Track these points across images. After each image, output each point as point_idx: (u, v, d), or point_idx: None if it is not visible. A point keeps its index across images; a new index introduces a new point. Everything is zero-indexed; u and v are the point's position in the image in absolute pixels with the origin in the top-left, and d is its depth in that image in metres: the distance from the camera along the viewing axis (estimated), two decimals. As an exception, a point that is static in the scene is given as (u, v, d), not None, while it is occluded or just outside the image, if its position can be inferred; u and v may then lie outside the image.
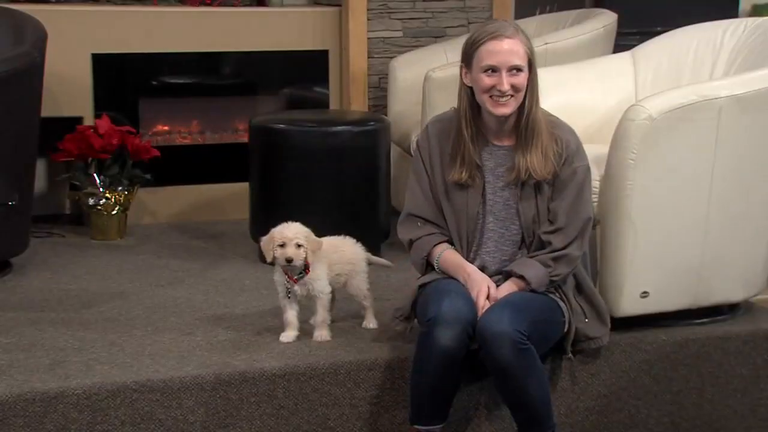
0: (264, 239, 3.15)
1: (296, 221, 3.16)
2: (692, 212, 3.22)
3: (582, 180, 2.96)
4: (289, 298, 3.15)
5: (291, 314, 3.17)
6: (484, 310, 2.86)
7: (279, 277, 3.16)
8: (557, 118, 3.03)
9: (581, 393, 3.21)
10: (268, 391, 2.96)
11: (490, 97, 2.89)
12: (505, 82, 2.87)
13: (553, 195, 2.96)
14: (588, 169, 2.99)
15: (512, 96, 2.88)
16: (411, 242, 3.06)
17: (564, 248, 2.93)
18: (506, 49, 2.86)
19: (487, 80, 2.88)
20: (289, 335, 3.17)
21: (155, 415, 2.88)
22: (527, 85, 2.90)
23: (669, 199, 3.17)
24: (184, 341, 3.17)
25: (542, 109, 2.98)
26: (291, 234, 3.10)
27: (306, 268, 3.12)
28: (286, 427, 3.00)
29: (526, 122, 2.92)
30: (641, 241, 3.17)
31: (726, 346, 3.35)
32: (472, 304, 2.87)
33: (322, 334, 3.17)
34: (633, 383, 3.27)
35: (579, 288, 3.08)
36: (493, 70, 2.87)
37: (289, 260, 3.08)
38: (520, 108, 2.91)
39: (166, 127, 4.91)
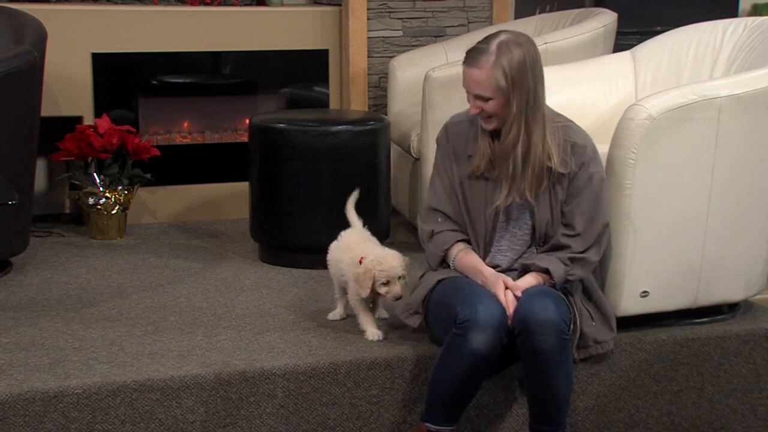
0: (359, 273, 3.10)
1: (393, 249, 3.18)
2: (692, 212, 3.22)
3: (598, 186, 2.99)
4: (371, 306, 3.21)
5: (367, 312, 3.19)
6: (509, 304, 2.87)
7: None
8: (574, 123, 3.04)
9: (581, 392, 3.21)
10: (268, 391, 2.97)
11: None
12: (473, 107, 2.93)
13: (567, 199, 2.98)
14: (603, 177, 3.01)
15: (489, 117, 2.92)
16: (432, 234, 3.09)
17: (583, 252, 2.96)
18: (471, 79, 2.91)
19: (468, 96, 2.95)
20: (377, 332, 3.17)
21: (155, 414, 2.88)
22: (514, 111, 2.89)
23: (669, 198, 3.17)
24: (184, 341, 3.17)
25: (559, 115, 3.02)
26: (394, 271, 3.06)
27: None
28: (286, 427, 3.00)
29: (510, 151, 2.93)
30: (641, 241, 3.17)
31: (726, 346, 3.35)
32: (503, 307, 2.88)
33: (375, 332, 3.19)
34: (633, 383, 3.27)
35: (587, 292, 3.09)
36: (467, 90, 2.94)
37: (399, 298, 3.09)
38: (512, 137, 2.92)
39: (165, 127, 4.91)
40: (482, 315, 2.81)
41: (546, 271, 2.95)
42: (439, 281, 3.04)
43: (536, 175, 2.94)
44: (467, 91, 2.94)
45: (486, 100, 2.90)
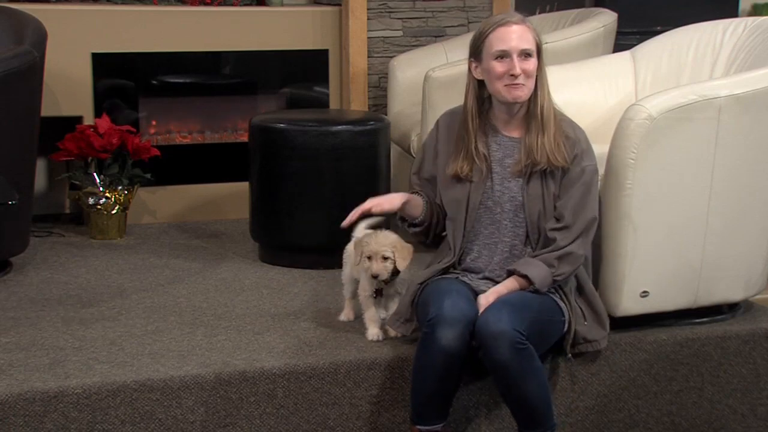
0: (352, 246, 3.11)
1: (388, 230, 3.14)
2: (692, 212, 3.22)
3: (590, 180, 2.99)
4: (375, 297, 3.15)
5: (374, 311, 3.16)
6: (482, 304, 2.86)
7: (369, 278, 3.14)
8: (565, 115, 3.07)
9: (581, 392, 3.21)
10: (268, 391, 2.97)
11: (505, 85, 2.93)
12: (517, 66, 2.91)
13: (560, 193, 2.97)
14: (596, 170, 3.02)
15: (523, 84, 2.93)
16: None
17: (568, 246, 2.94)
18: (515, 35, 2.92)
19: (499, 66, 2.92)
20: (378, 332, 3.15)
21: (155, 414, 2.88)
22: (537, 73, 2.95)
23: (669, 198, 3.17)
24: (184, 341, 3.18)
25: (554, 104, 3.03)
26: (377, 246, 3.05)
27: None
28: (286, 427, 3.00)
29: (537, 108, 2.96)
30: (641, 241, 3.17)
31: (726, 346, 3.35)
32: (473, 303, 2.88)
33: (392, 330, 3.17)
34: (633, 383, 3.27)
35: (580, 290, 3.09)
36: (504, 56, 2.91)
37: (374, 276, 3.07)
38: (531, 95, 2.96)
39: (165, 127, 4.91)
40: (448, 311, 2.81)
41: (526, 277, 2.94)
42: (421, 285, 3.04)
43: (554, 147, 2.95)
44: (508, 53, 2.91)
45: (529, 55, 2.92)
